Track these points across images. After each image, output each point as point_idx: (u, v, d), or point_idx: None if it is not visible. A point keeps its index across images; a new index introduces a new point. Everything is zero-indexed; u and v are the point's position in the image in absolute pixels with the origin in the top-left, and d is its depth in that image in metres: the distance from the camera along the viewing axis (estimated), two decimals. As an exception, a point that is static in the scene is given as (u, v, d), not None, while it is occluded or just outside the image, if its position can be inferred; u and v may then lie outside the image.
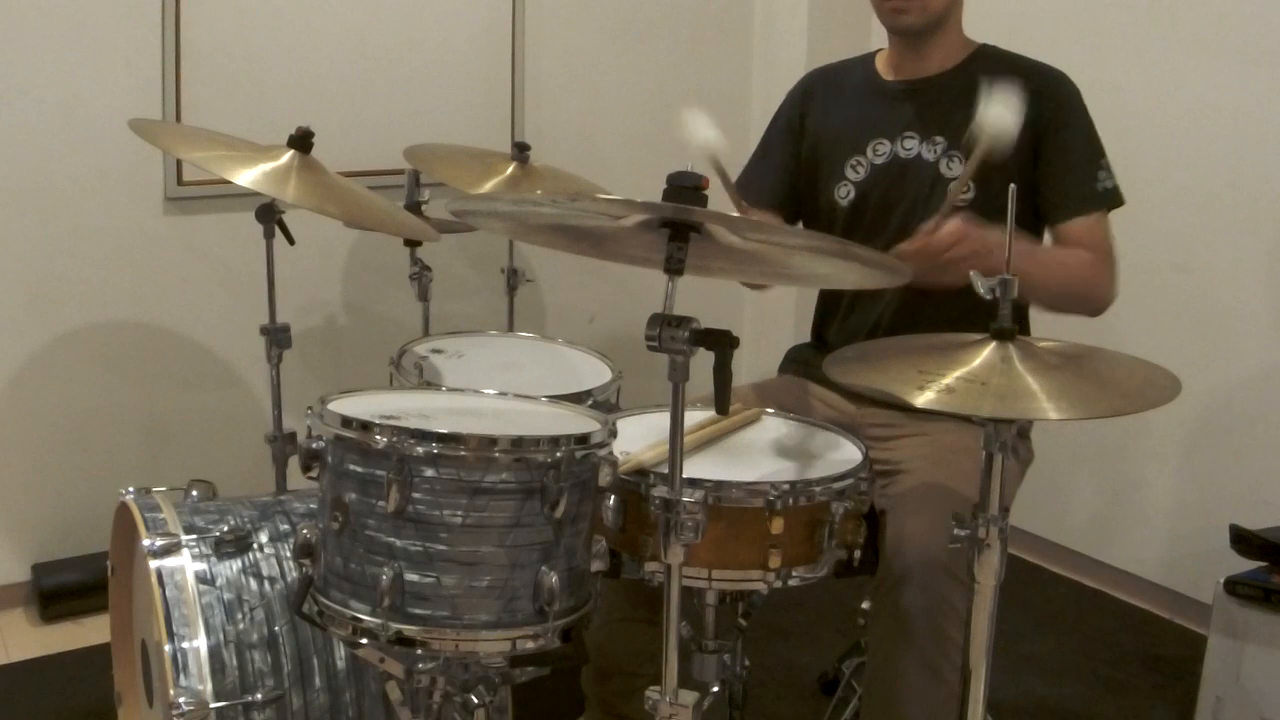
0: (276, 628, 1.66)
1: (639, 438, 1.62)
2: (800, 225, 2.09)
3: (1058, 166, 1.87)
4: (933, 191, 1.92)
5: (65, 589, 2.75)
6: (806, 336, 2.19)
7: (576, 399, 1.87)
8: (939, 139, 1.93)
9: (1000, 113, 1.54)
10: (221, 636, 1.63)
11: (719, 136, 1.61)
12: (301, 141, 2.17)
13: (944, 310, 1.77)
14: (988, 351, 1.40)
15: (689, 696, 1.40)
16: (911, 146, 1.95)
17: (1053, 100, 1.88)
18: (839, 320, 2.07)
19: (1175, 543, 2.92)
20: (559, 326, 3.33)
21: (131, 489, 1.83)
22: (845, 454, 1.68)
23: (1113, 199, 1.87)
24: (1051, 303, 1.82)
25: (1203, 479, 2.85)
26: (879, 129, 1.98)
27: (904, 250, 1.66)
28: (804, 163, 2.08)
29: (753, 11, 3.65)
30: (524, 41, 3.24)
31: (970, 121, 1.87)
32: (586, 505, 1.46)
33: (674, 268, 1.35)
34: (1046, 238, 1.92)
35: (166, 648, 1.60)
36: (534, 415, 1.62)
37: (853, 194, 2.00)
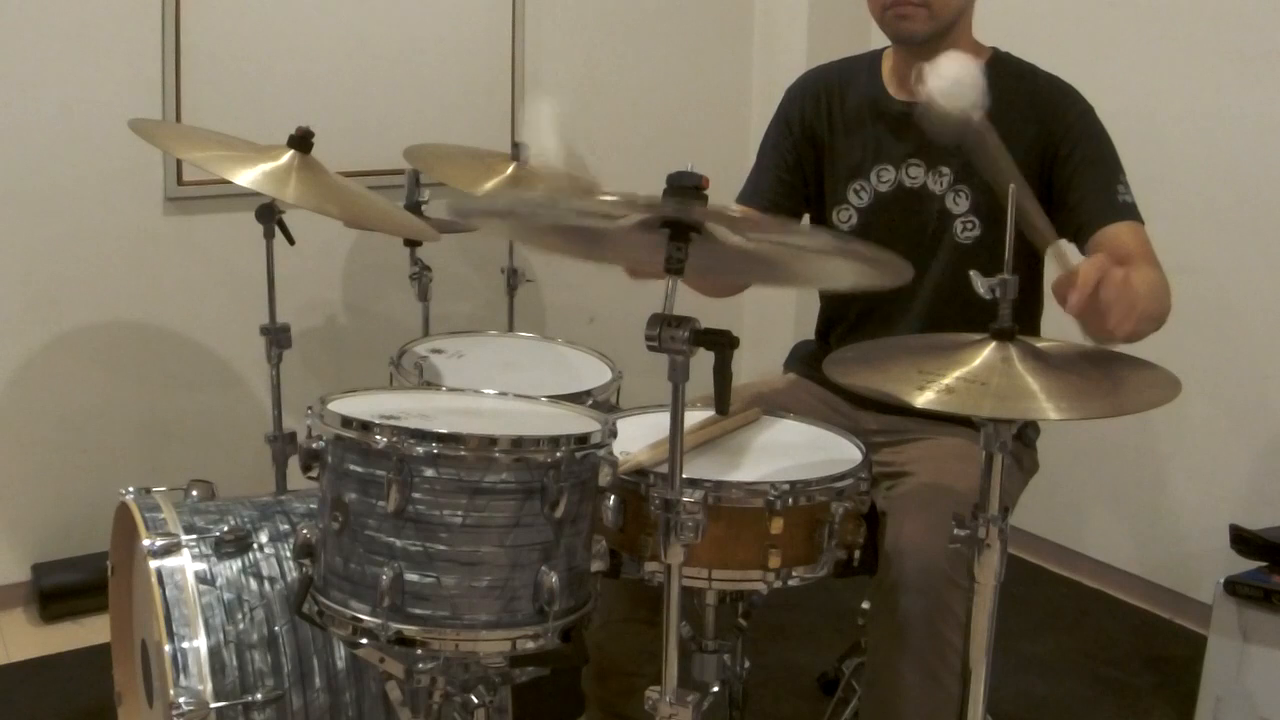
0: (276, 628, 1.66)
1: (639, 438, 1.62)
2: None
3: (1076, 186, 1.79)
4: (939, 226, 1.88)
5: (65, 589, 2.75)
6: (806, 335, 2.19)
7: (576, 399, 1.87)
8: (945, 170, 1.87)
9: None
10: (221, 636, 1.63)
11: (558, 143, 1.54)
12: (301, 141, 2.17)
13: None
14: (988, 351, 1.40)
15: (689, 696, 1.40)
16: (917, 175, 1.90)
17: (1062, 121, 1.82)
18: (845, 328, 2.03)
19: (1175, 543, 2.92)
20: (559, 326, 3.33)
21: (131, 489, 1.83)
22: (845, 454, 1.68)
23: (1134, 213, 1.78)
24: (1146, 330, 1.56)
25: (1203, 479, 2.85)
26: (883, 154, 1.92)
27: (1074, 309, 1.43)
28: (806, 167, 2.02)
29: (753, 11, 3.65)
30: (524, 41, 3.24)
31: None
32: (586, 505, 1.46)
33: (674, 268, 1.35)
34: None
35: (166, 648, 1.60)
36: (534, 415, 1.62)
37: (855, 219, 1.95)
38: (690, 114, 3.53)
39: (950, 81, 1.43)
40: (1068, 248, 1.70)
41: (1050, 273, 1.57)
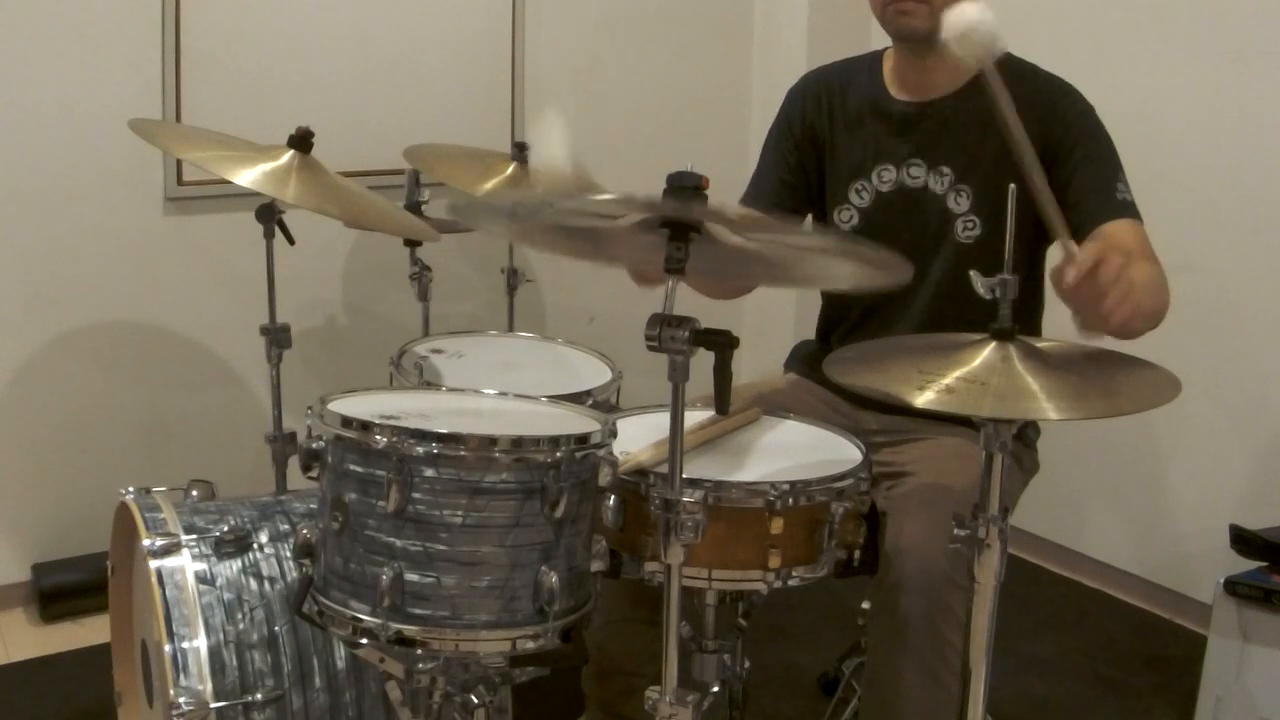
0: (276, 628, 1.66)
1: (639, 438, 1.62)
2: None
3: (1075, 184, 1.79)
4: (940, 226, 1.89)
5: (65, 589, 2.75)
6: (806, 335, 2.18)
7: (576, 399, 1.87)
8: (946, 170, 1.88)
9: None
10: (221, 636, 1.63)
11: (566, 155, 1.55)
12: (301, 141, 2.17)
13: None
14: (988, 351, 1.40)
15: (689, 696, 1.40)
16: (918, 175, 1.90)
17: (1061, 121, 1.82)
18: (847, 328, 2.03)
19: (1175, 543, 2.92)
20: (559, 326, 3.33)
21: (131, 489, 1.83)
22: (845, 454, 1.68)
23: (1133, 211, 1.78)
24: (1143, 327, 1.58)
25: (1203, 479, 2.85)
26: (884, 154, 1.92)
27: (1067, 294, 1.45)
28: (808, 168, 2.02)
29: (753, 12, 3.65)
30: (524, 41, 3.24)
31: (982, 150, 1.86)
32: (586, 505, 1.46)
33: (674, 268, 1.35)
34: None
35: (166, 648, 1.60)
36: (534, 415, 1.62)
37: (856, 219, 1.96)
38: (690, 114, 3.53)
39: (962, 31, 1.44)
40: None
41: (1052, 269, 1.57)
